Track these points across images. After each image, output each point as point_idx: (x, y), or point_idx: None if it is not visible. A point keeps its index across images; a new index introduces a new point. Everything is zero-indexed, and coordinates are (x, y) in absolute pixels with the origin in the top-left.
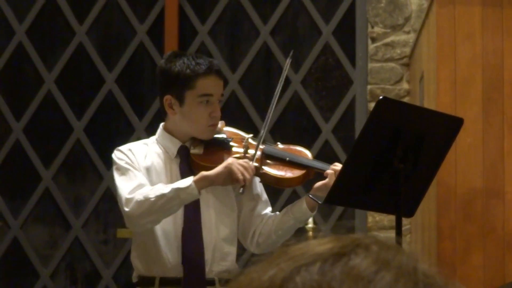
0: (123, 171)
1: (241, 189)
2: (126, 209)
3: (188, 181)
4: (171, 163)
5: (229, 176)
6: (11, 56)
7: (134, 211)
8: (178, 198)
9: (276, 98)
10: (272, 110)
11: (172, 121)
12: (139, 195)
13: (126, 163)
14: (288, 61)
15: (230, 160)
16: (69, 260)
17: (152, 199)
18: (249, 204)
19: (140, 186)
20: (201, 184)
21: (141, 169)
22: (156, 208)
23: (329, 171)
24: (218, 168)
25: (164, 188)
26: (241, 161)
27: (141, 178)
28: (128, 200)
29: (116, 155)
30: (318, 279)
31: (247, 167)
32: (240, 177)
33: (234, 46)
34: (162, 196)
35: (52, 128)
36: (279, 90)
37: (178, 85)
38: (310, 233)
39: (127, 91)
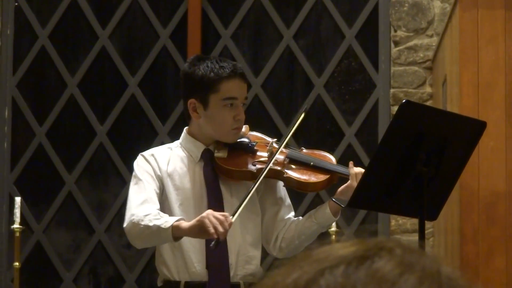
0: (137, 181)
1: (213, 244)
2: (124, 225)
3: (169, 223)
4: (195, 166)
5: (201, 229)
6: (34, 60)
7: (128, 230)
8: (159, 236)
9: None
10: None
11: (196, 125)
12: (135, 217)
13: (144, 170)
14: (303, 112)
15: (204, 214)
16: (92, 264)
17: (141, 227)
18: (272, 209)
19: (146, 201)
20: (177, 233)
21: (162, 174)
22: (143, 236)
23: (351, 171)
24: (193, 221)
25: (153, 219)
26: (218, 214)
27: (150, 191)
28: (127, 218)
29: (137, 161)
30: (342, 281)
31: (222, 220)
32: (211, 230)
33: (257, 50)
34: (147, 227)
35: (75, 132)
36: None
37: (202, 88)
38: (333, 237)
39: (150, 95)
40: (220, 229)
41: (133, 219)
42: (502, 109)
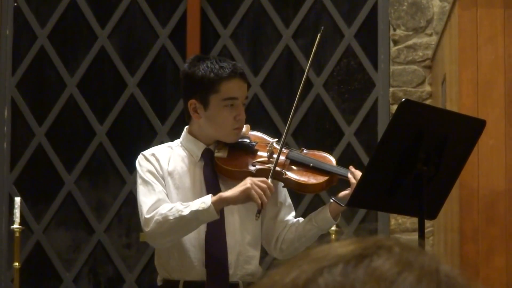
0: (145, 183)
1: (258, 215)
2: (146, 229)
3: (207, 203)
4: (195, 166)
5: (247, 198)
6: (33, 60)
7: (154, 231)
8: (197, 220)
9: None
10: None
11: (197, 125)
12: (158, 216)
13: (148, 171)
14: (319, 36)
15: (248, 182)
16: (92, 264)
17: (171, 221)
18: (273, 210)
19: (159, 202)
20: (219, 206)
21: (164, 173)
22: (176, 229)
23: (350, 178)
24: (237, 190)
25: (183, 209)
26: (259, 181)
27: (160, 192)
28: (148, 220)
29: (139, 161)
30: (341, 280)
31: (265, 188)
32: (259, 201)
33: (256, 49)
34: (181, 218)
35: (74, 132)
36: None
37: (203, 89)
38: (333, 236)
39: (149, 95)
40: (265, 199)
41: (157, 219)
42: (501, 108)
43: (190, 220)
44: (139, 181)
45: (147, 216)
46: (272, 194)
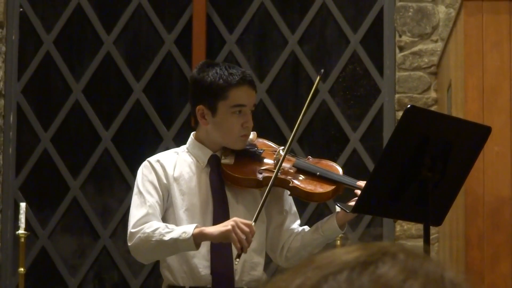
0: (139, 194)
1: (237, 259)
2: (129, 243)
3: (188, 233)
4: (201, 172)
5: (226, 239)
6: (39, 66)
7: (135, 247)
8: (176, 248)
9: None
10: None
11: (204, 131)
12: (141, 234)
13: (147, 180)
14: (318, 78)
15: (230, 224)
16: (97, 269)
17: (152, 242)
18: (278, 218)
19: (147, 216)
20: (199, 240)
21: (168, 180)
22: (156, 251)
23: (357, 192)
24: (218, 229)
25: (165, 234)
26: (242, 224)
27: (152, 206)
28: (132, 235)
29: (141, 169)
30: (346, 287)
31: (247, 233)
32: (237, 245)
33: (262, 55)
34: (161, 242)
35: (80, 138)
36: (307, 106)
37: (211, 95)
38: (338, 242)
39: (155, 101)
40: (245, 244)
41: (140, 236)
42: (507, 114)
43: (169, 246)
44: (135, 190)
45: (132, 230)
46: (278, 203)
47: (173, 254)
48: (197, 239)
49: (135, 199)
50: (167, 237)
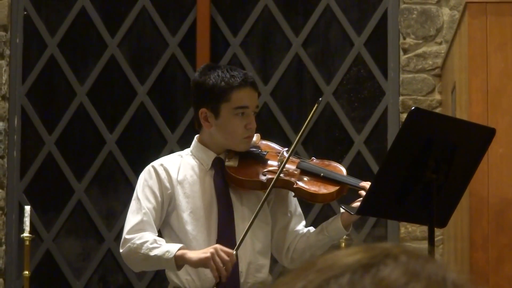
0: (137, 199)
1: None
2: (120, 250)
3: (171, 252)
4: (206, 175)
5: (205, 266)
6: (43, 69)
7: (125, 255)
8: (159, 265)
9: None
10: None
11: (207, 134)
12: (132, 243)
13: (146, 185)
14: (317, 105)
15: (210, 251)
16: (102, 272)
17: (140, 255)
18: (283, 220)
19: (142, 223)
20: (180, 262)
21: (172, 183)
22: (142, 264)
23: (360, 193)
24: (198, 256)
25: (152, 249)
26: (223, 253)
27: (146, 213)
28: (124, 241)
29: (143, 173)
30: None
31: (226, 262)
32: (215, 273)
33: (266, 58)
34: (147, 257)
35: (84, 141)
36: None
37: (213, 98)
38: (343, 244)
39: (159, 104)
40: (224, 272)
41: (130, 246)
42: (511, 116)
43: (154, 262)
44: (134, 195)
45: (126, 236)
46: (283, 204)
47: (160, 269)
48: (178, 261)
49: (132, 204)
50: (152, 253)
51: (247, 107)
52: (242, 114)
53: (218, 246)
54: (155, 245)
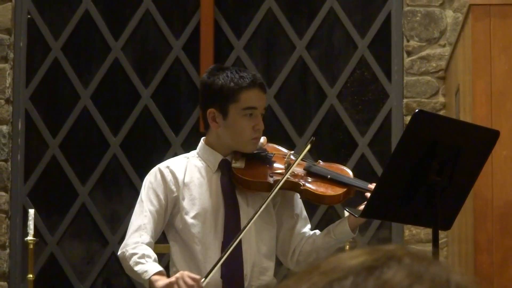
0: (141, 202)
1: None
2: (118, 252)
3: (148, 274)
4: (212, 176)
5: None
6: (47, 72)
7: (120, 258)
8: (140, 279)
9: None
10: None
11: (215, 135)
12: (126, 250)
13: (151, 188)
14: (309, 145)
15: (175, 277)
16: (106, 275)
17: (129, 265)
18: (289, 222)
19: (140, 228)
20: (153, 286)
21: (178, 185)
22: (129, 272)
23: (367, 196)
24: (165, 281)
25: (137, 263)
26: (190, 279)
27: (147, 216)
28: (123, 245)
29: (148, 176)
30: None
31: (190, 286)
32: None
33: (269, 60)
34: (133, 269)
35: (88, 144)
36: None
37: (222, 98)
38: (347, 247)
39: (163, 107)
40: None
41: (124, 252)
42: None
43: (136, 275)
44: (139, 197)
45: (125, 241)
46: (288, 207)
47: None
48: (151, 284)
49: (136, 207)
50: (136, 268)
51: (255, 108)
52: (250, 115)
53: (184, 272)
54: (141, 260)
